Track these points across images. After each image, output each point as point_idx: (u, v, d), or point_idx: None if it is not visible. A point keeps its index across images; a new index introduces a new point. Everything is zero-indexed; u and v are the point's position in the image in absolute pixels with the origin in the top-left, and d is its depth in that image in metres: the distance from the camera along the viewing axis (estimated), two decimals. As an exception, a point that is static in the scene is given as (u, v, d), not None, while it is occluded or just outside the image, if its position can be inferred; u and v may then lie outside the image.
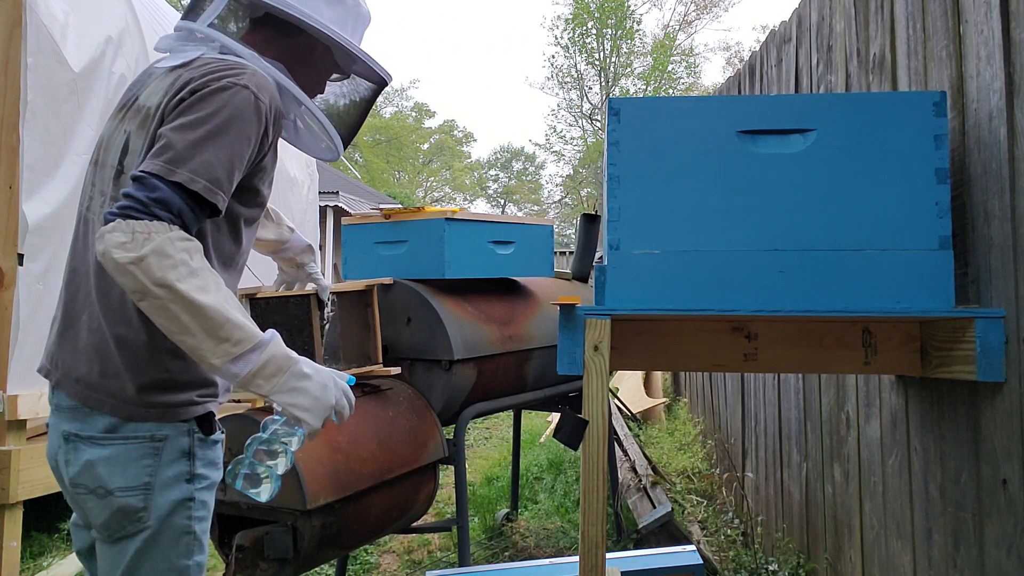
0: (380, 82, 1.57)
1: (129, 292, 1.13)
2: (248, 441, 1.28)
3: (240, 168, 1.23)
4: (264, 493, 1.30)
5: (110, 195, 1.29)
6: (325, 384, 1.25)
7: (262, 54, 1.35)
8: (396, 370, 2.36)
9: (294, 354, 1.24)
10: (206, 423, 1.29)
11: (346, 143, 1.56)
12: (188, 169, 1.15)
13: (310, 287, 1.97)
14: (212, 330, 1.14)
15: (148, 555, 1.23)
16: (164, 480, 1.24)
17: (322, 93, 1.52)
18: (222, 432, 1.36)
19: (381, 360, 2.37)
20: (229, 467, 1.29)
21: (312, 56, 1.44)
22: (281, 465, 1.31)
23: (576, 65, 28.49)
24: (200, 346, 1.15)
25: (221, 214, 1.22)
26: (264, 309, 2.03)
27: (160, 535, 1.24)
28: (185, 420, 1.27)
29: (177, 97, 1.23)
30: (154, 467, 1.23)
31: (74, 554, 3.33)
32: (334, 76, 1.54)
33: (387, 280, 2.45)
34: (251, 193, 1.33)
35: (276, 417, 1.27)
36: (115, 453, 1.22)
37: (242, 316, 1.19)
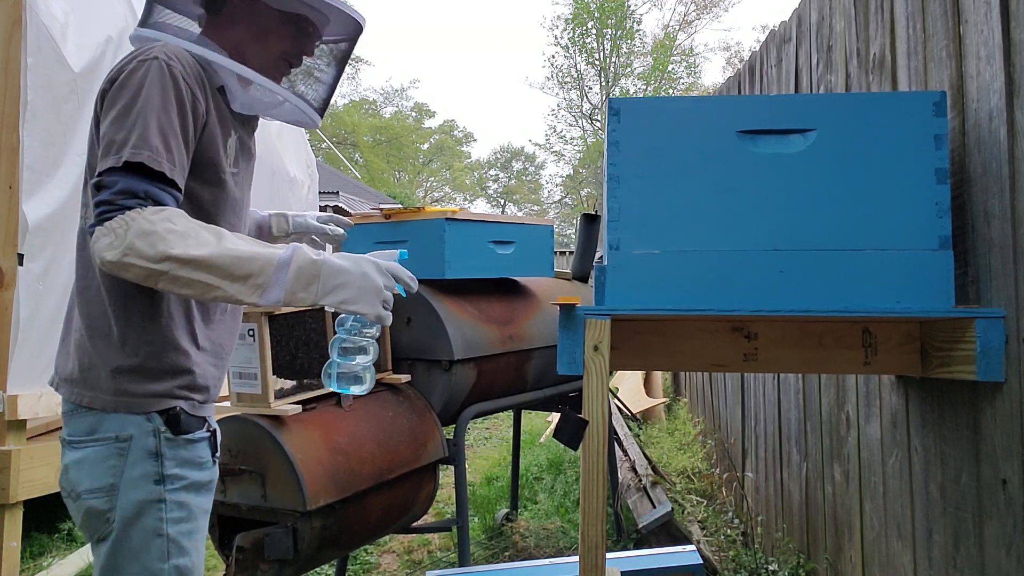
0: (352, 28, 1.48)
1: (142, 282, 1.14)
2: (331, 341, 1.34)
3: (175, 134, 1.21)
4: (364, 384, 1.36)
5: (90, 204, 1.31)
6: (365, 272, 1.25)
7: (219, 44, 1.35)
8: (406, 377, 2.36)
9: (322, 254, 1.24)
10: (174, 421, 1.28)
11: (321, 109, 1.50)
12: (130, 147, 1.16)
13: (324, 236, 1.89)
14: (230, 275, 1.16)
15: (119, 557, 1.23)
16: (129, 481, 1.23)
17: (296, 65, 1.44)
18: (208, 431, 1.35)
19: (391, 367, 2.38)
20: (324, 369, 1.35)
21: (260, 28, 1.38)
22: (370, 354, 1.37)
23: (576, 65, 28.52)
24: (231, 294, 1.17)
25: (174, 183, 1.20)
26: (282, 325, 2.03)
27: (129, 537, 1.23)
28: (152, 412, 1.25)
29: (102, 93, 1.25)
30: (119, 468, 1.23)
31: (74, 554, 3.33)
32: (309, 46, 1.46)
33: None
34: (209, 169, 1.31)
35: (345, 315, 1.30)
36: (86, 455, 1.23)
37: (252, 246, 1.20)
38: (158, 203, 1.15)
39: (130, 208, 1.13)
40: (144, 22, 1.36)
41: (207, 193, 1.33)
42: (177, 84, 1.22)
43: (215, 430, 1.39)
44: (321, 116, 1.50)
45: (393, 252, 1.35)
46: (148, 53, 1.23)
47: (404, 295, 1.33)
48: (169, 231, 1.13)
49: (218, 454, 1.39)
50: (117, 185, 1.14)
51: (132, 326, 1.25)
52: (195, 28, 1.39)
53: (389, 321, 1.29)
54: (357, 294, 1.24)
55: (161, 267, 1.12)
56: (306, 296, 1.21)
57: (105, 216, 1.13)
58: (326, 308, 1.27)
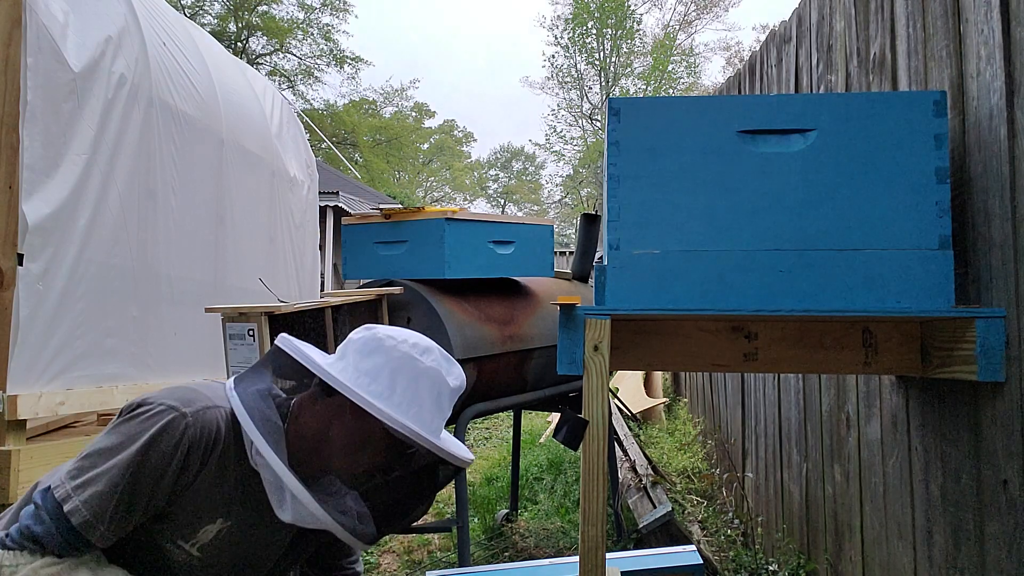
0: (450, 471, 1.36)
1: None
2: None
3: (129, 498, 1.17)
4: None
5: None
6: None
7: (304, 413, 1.29)
8: None
9: None
10: None
11: (373, 536, 1.30)
12: (81, 499, 1.15)
13: None
14: None
15: None
16: None
17: (360, 470, 1.30)
18: None
19: None
20: None
21: (341, 421, 1.28)
22: None
23: (576, 65, 28.52)
24: None
25: (96, 545, 1.17)
26: (282, 325, 2.04)
27: None
28: None
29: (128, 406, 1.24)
30: None
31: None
32: (400, 464, 1.33)
33: (396, 290, 2.44)
34: (172, 521, 1.24)
35: None
36: None
37: None
38: (61, 555, 1.14)
39: (29, 551, 1.13)
40: (239, 382, 1.28)
41: (143, 535, 1.25)
42: (176, 445, 1.19)
43: None
44: (367, 542, 1.31)
45: None
46: (188, 405, 1.22)
47: None
48: None
49: None
50: (39, 526, 1.14)
51: None
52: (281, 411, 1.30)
53: None
54: None
55: None
56: None
57: (5, 543, 1.14)
58: None
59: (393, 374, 1.25)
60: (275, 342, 1.32)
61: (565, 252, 13.07)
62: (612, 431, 3.96)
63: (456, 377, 1.33)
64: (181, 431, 1.19)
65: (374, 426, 1.26)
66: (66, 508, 1.15)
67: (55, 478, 1.19)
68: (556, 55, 33.30)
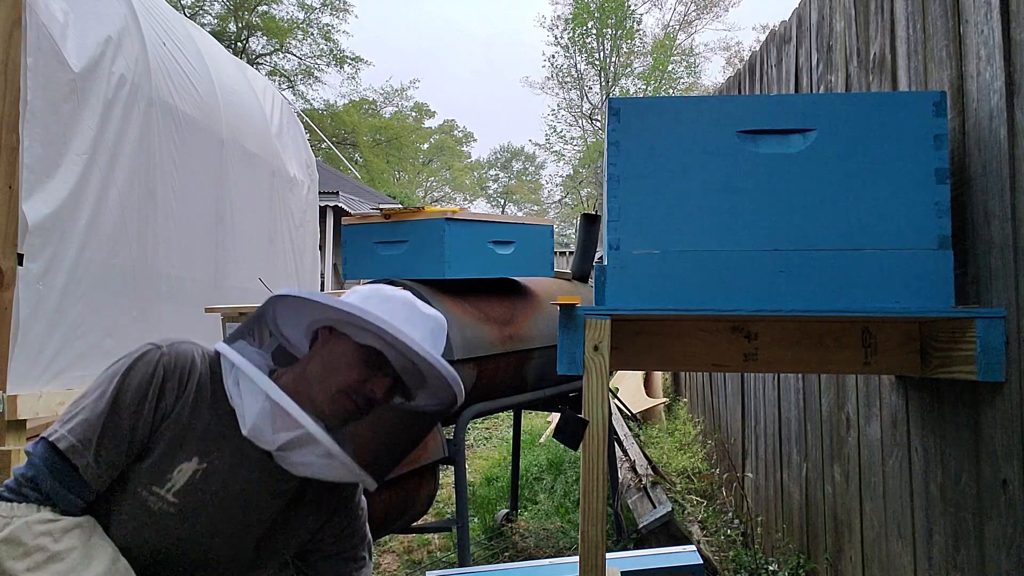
0: (445, 393, 1.34)
1: None
2: None
3: (114, 427, 1.19)
4: None
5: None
6: None
7: (288, 373, 1.33)
8: None
9: None
10: None
11: (376, 472, 1.31)
12: (66, 428, 1.17)
13: None
14: None
15: None
16: None
17: (358, 405, 1.30)
18: None
19: None
20: None
21: (332, 359, 1.30)
22: None
23: (576, 65, 28.51)
24: None
25: (85, 484, 1.18)
26: None
27: None
28: None
29: None
30: None
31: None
32: (379, 387, 1.31)
33: None
34: (150, 458, 1.23)
35: None
36: None
37: None
38: (59, 506, 1.15)
39: (28, 499, 1.13)
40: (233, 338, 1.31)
41: (122, 485, 1.24)
42: (152, 372, 1.22)
43: None
44: (375, 479, 1.32)
45: None
46: (164, 342, 1.26)
47: None
48: (40, 548, 1.09)
49: None
50: (32, 469, 1.16)
51: None
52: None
53: None
54: None
55: None
56: None
57: (2, 494, 1.14)
58: None
59: (364, 299, 1.29)
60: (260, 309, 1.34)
61: (565, 252, 13.07)
62: (612, 431, 3.96)
63: (429, 308, 1.36)
64: (156, 359, 1.23)
65: (352, 337, 1.29)
66: (52, 438, 1.17)
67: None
68: (556, 55, 33.35)
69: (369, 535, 1.54)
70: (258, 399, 1.23)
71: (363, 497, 1.53)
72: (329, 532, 1.46)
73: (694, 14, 28.15)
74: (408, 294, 1.35)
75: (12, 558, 1.07)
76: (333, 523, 1.46)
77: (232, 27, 23.46)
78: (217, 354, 1.30)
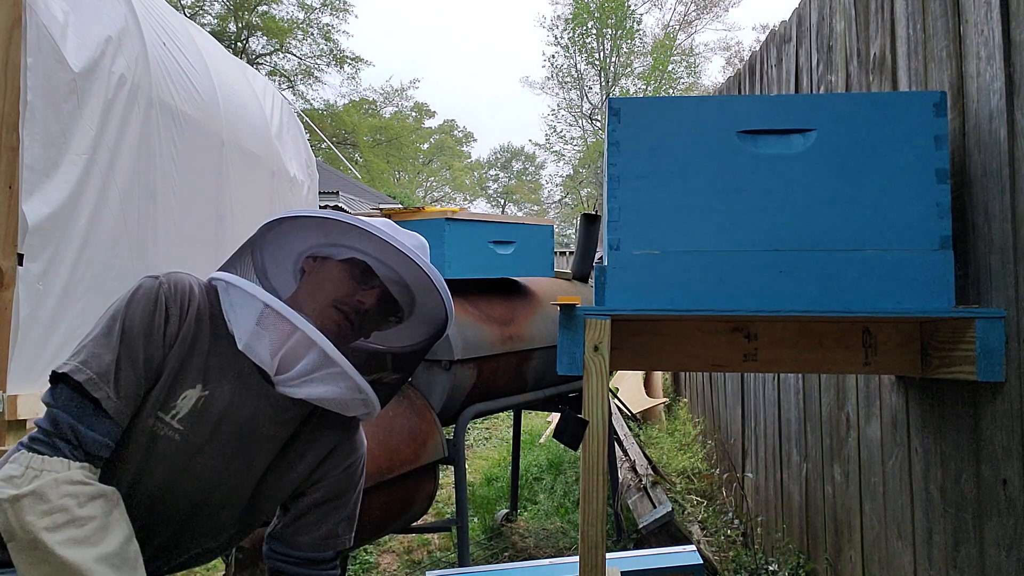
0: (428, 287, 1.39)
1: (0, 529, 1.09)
2: None
3: (126, 357, 1.19)
4: None
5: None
6: None
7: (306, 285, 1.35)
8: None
9: None
10: None
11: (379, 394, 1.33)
12: (80, 360, 1.16)
13: None
14: None
15: None
16: None
17: (348, 317, 1.31)
18: None
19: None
20: None
21: (312, 272, 1.35)
22: None
23: (576, 65, 28.51)
24: None
25: (111, 420, 1.17)
26: None
27: None
28: None
29: None
30: None
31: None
32: (369, 296, 1.34)
33: None
34: (157, 393, 1.23)
35: None
36: None
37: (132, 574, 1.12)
38: (86, 457, 1.13)
39: (61, 453, 1.11)
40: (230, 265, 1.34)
41: (148, 419, 1.23)
42: (155, 301, 1.22)
43: None
44: (374, 404, 1.33)
45: None
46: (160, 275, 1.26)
47: None
48: (62, 509, 1.08)
49: None
50: (54, 413, 1.14)
51: None
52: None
53: None
54: None
55: (21, 536, 1.06)
56: None
57: (34, 447, 1.12)
58: None
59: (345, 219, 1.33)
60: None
61: (565, 252, 13.07)
62: (612, 431, 3.96)
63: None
64: (156, 287, 1.23)
65: (336, 257, 1.32)
66: (67, 370, 1.15)
67: None
68: (556, 55, 33.33)
69: (356, 518, 1.48)
70: (252, 310, 1.22)
71: (362, 460, 1.48)
72: (320, 475, 1.41)
73: (694, 14, 28.17)
74: (388, 220, 1.39)
75: (34, 513, 1.06)
76: (327, 465, 1.41)
77: (232, 27, 23.46)
78: (213, 286, 1.30)
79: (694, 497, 3.90)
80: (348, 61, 26.37)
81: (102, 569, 1.09)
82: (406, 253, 1.29)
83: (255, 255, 1.38)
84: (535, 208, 38.61)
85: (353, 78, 38.72)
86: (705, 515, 3.66)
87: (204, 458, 1.27)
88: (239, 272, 1.33)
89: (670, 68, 27.13)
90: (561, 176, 35.38)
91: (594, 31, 27.51)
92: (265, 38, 24.47)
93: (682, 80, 27.46)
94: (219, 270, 1.29)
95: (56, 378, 1.17)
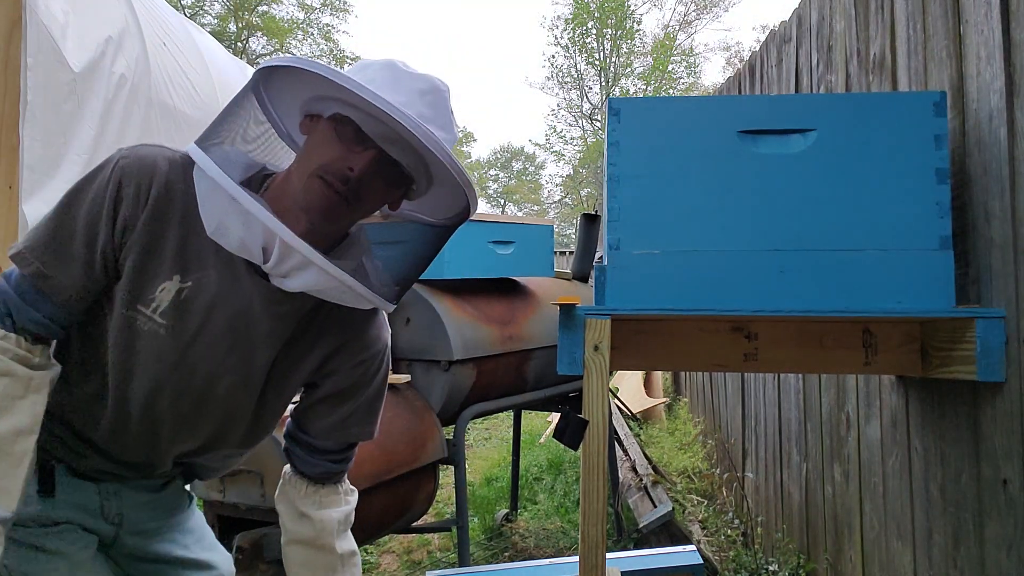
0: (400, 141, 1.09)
1: None
2: None
3: (69, 236, 1.10)
4: None
5: None
6: None
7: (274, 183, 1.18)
8: (406, 378, 2.36)
9: None
10: None
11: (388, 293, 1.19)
12: (24, 243, 1.10)
13: None
14: None
15: None
16: None
17: (337, 187, 1.10)
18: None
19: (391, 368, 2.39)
20: None
21: (315, 120, 1.14)
22: None
23: (576, 65, 28.50)
24: None
25: (45, 292, 1.09)
26: None
27: None
28: None
29: None
30: None
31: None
32: (360, 160, 1.11)
33: None
34: (128, 278, 1.12)
35: None
36: None
37: (8, 471, 1.03)
38: (26, 333, 1.08)
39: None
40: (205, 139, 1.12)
41: (92, 329, 1.15)
42: (104, 183, 1.09)
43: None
44: (390, 299, 1.19)
45: None
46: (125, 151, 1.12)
47: None
48: None
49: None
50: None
51: None
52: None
53: None
54: None
55: None
56: None
57: None
58: None
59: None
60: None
61: (565, 252, 13.06)
62: (612, 431, 3.96)
63: (421, 71, 1.18)
64: (113, 163, 1.10)
65: (322, 114, 1.12)
66: (11, 253, 1.09)
67: None
68: (556, 55, 33.35)
69: (375, 418, 1.38)
70: (217, 194, 1.06)
71: (380, 357, 1.34)
72: (330, 369, 1.28)
73: (694, 14, 28.15)
74: (392, 59, 1.15)
75: None
76: (336, 361, 1.28)
77: (232, 27, 23.47)
78: (191, 159, 1.08)
79: (694, 497, 3.90)
80: (348, 61, 26.37)
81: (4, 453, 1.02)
82: (383, 108, 1.01)
83: (249, 112, 1.18)
84: (535, 208, 38.61)
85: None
86: (705, 515, 3.66)
87: (196, 352, 1.15)
88: (231, 136, 1.15)
89: (670, 68, 27.14)
90: (561, 176, 35.41)
91: (594, 31, 27.51)
92: (265, 38, 24.47)
93: (682, 80, 27.46)
94: (200, 137, 1.11)
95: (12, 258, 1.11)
